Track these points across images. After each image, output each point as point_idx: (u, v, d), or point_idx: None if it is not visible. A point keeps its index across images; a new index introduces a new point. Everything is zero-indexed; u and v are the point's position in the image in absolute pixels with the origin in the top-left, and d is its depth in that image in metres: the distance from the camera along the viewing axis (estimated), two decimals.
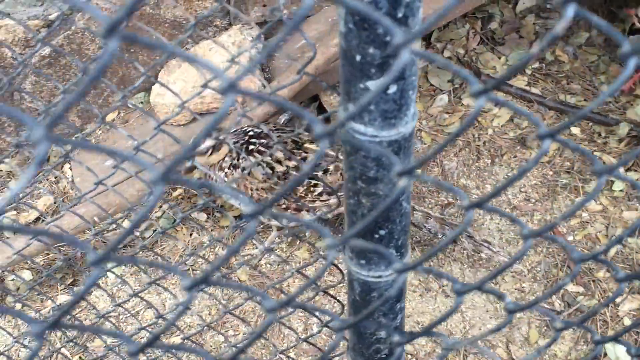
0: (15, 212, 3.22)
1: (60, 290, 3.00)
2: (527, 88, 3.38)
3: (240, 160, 2.69)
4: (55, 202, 3.18)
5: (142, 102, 3.35)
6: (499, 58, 3.51)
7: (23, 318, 0.44)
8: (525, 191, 3.06)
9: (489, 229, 2.95)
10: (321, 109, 3.33)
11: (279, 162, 2.69)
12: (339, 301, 1.32)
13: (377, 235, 0.95)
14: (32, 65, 3.07)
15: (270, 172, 2.66)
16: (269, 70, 3.23)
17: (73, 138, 3.37)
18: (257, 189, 2.69)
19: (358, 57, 0.78)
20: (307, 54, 3.06)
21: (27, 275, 3.04)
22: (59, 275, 2.99)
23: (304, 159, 2.69)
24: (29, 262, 2.97)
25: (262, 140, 2.71)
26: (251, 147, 2.70)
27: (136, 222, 0.41)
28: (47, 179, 3.28)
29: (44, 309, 2.87)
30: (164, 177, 0.38)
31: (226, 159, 2.73)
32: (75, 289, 2.93)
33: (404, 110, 0.82)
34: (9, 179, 3.28)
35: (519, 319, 2.70)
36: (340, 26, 0.79)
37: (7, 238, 2.76)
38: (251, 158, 2.66)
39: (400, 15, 0.74)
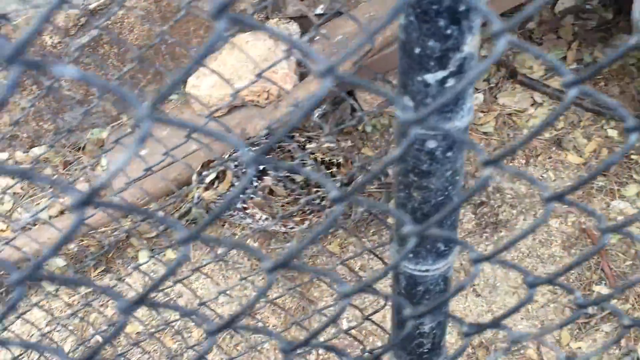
0: (51, 197, 3.27)
1: (93, 277, 3.04)
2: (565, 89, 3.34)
3: (254, 183, 2.62)
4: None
5: (177, 93, 3.38)
6: (536, 58, 3.48)
7: (109, 294, 0.45)
8: None
9: (522, 230, 2.93)
10: (357, 104, 3.32)
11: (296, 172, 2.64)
12: (382, 295, 1.32)
13: None
14: (71, 54, 3.10)
15: (292, 183, 2.59)
16: (305, 65, 3.23)
17: (109, 127, 3.41)
18: (282, 205, 2.62)
19: (417, 50, 0.78)
20: (342, 51, 3.06)
21: (60, 261, 3.08)
22: (92, 262, 3.03)
23: (315, 159, 2.66)
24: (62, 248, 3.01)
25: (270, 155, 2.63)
26: (262, 167, 2.61)
27: (230, 200, 0.42)
28: (83, 167, 3.32)
29: (76, 295, 2.91)
30: (257, 160, 0.38)
31: (234, 184, 2.62)
32: (109, 275, 2.96)
33: (460, 104, 0.82)
34: (45, 165, 3.33)
35: (551, 321, 2.68)
36: (400, 19, 0.79)
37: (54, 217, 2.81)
38: (266, 178, 2.60)
39: (462, 8, 0.74)
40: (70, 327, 2.81)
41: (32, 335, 2.84)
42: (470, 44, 0.77)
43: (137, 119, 0.34)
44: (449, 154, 0.86)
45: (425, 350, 1.13)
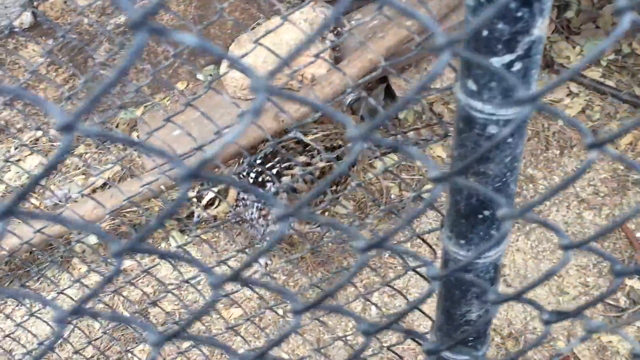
0: (83, 177, 3.30)
1: (124, 256, 3.06)
2: (602, 80, 3.30)
3: (272, 188, 2.57)
4: (122, 169, 3.24)
5: (211, 75, 3.38)
6: (574, 48, 3.43)
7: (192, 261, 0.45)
8: (594, 184, 2.99)
9: (555, 221, 2.90)
10: (389, 91, 3.30)
11: (309, 164, 2.61)
12: (427, 280, 1.31)
13: (481, 216, 0.94)
14: (107, 32, 3.11)
15: (312, 175, 2.56)
16: (340, 49, 3.22)
17: (142, 107, 3.42)
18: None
19: (485, 33, 0.76)
20: (378, 35, 3.04)
21: (92, 239, 3.10)
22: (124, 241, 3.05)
23: (318, 151, 2.64)
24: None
25: (275, 161, 2.58)
26: (274, 170, 2.56)
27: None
28: (115, 147, 3.34)
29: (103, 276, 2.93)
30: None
31: (240, 200, 2.57)
32: (139, 256, 2.98)
33: (526, 88, 0.81)
34: (78, 144, 3.35)
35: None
36: (467, 0, 0.77)
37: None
38: (284, 179, 2.56)
39: None
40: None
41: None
42: (540, 27, 0.75)
43: (253, 89, 0.33)
44: (510, 139, 0.85)
45: (471, 338, 1.12)
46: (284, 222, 0.41)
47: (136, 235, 0.43)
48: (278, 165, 2.59)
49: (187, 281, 1.80)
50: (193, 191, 2.46)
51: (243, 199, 2.56)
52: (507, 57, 0.77)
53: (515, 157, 0.88)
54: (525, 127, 0.85)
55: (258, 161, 2.58)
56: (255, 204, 2.56)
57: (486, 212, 0.93)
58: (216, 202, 2.49)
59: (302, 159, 2.62)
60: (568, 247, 0.48)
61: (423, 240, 1.26)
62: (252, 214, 2.58)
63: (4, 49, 3.07)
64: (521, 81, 0.79)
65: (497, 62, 0.78)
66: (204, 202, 2.47)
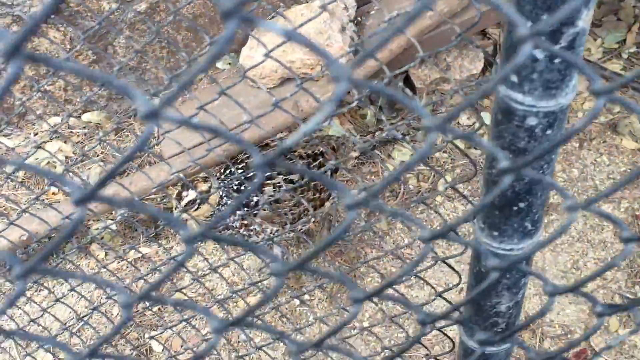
0: (102, 163, 3.31)
1: (142, 242, 3.07)
2: (622, 72, 3.28)
3: (257, 197, 2.51)
4: (140, 157, 3.25)
5: (230, 63, 3.38)
6: (595, 40, 3.41)
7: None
8: (613, 177, 2.98)
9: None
10: (408, 82, 3.30)
11: (290, 172, 2.55)
12: (456, 272, 1.32)
13: (515, 208, 0.94)
14: (127, 20, 3.12)
15: (293, 186, 2.47)
16: (360, 39, 3.21)
17: (160, 95, 3.42)
18: (290, 209, 2.55)
19: (529, 24, 0.76)
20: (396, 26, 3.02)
21: (112, 226, 3.12)
22: (143, 227, 3.07)
23: (300, 156, 2.61)
24: (113, 212, 3.06)
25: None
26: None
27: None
28: (135, 134, 3.35)
29: (123, 261, 2.94)
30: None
31: (225, 204, 2.48)
32: (158, 241, 3.00)
33: (566, 81, 0.80)
34: (97, 131, 3.36)
35: None
36: None
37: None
38: (266, 189, 2.51)
39: None
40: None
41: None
42: (585, 19, 0.75)
43: (334, 78, 0.33)
44: (549, 131, 0.85)
45: (499, 330, 1.12)
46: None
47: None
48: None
49: (214, 269, 1.81)
50: (178, 196, 2.39)
51: (226, 203, 2.48)
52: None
53: (553, 149, 0.88)
54: (565, 120, 0.85)
55: (239, 171, 2.51)
56: (238, 213, 2.47)
57: (521, 204, 0.93)
58: (196, 205, 2.39)
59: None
60: (629, 240, 0.48)
61: (455, 232, 1.26)
62: (234, 222, 2.51)
63: None
64: (564, 73, 0.79)
65: (539, 53, 0.78)
66: (183, 202, 2.37)
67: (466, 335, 1.16)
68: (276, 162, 0.35)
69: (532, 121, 0.84)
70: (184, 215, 2.40)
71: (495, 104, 0.86)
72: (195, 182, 2.44)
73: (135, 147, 0.39)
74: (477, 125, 3.23)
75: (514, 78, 0.81)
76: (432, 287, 1.60)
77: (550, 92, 0.81)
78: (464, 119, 3.25)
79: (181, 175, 1.72)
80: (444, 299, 1.30)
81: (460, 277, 1.35)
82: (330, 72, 0.33)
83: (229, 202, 2.48)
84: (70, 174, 3.27)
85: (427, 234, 0.45)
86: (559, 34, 0.76)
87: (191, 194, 2.37)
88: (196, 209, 2.40)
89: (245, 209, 2.47)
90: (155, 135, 3.29)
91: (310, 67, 3.05)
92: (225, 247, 2.67)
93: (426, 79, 3.25)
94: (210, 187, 2.42)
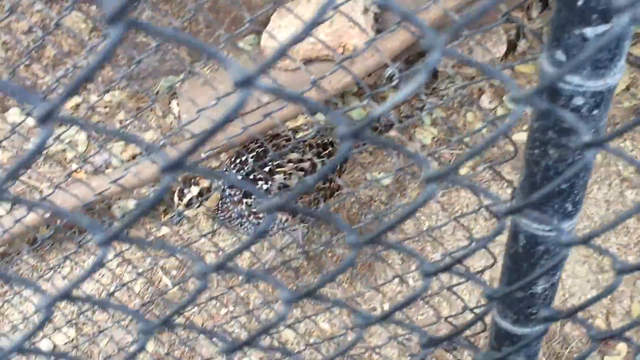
0: (122, 143, 3.32)
1: (162, 223, 3.09)
2: None
3: (263, 186, 2.53)
4: (161, 136, 3.26)
5: (251, 45, 3.37)
6: None
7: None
8: None
9: (596, 199, 2.88)
10: None
11: (301, 160, 2.56)
12: (491, 253, 1.32)
13: (557, 189, 0.93)
14: (150, 0, 3.12)
15: (303, 173, 2.50)
16: (382, 21, 3.19)
17: (181, 75, 3.43)
18: (300, 197, 2.54)
19: (580, 2, 0.76)
20: (422, 6, 3.00)
21: (132, 204, 3.14)
22: (162, 207, 3.08)
23: (310, 146, 2.61)
24: (135, 192, 3.08)
25: (266, 160, 2.50)
26: (267, 169, 2.51)
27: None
28: (155, 114, 3.36)
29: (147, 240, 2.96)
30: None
31: (229, 195, 2.50)
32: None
33: (615, 60, 0.80)
34: (118, 110, 3.37)
35: (621, 292, 2.64)
36: None
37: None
38: (276, 177, 2.52)
39: None
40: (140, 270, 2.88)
41: (104, 275, 2.92)
42: None
43: (426, 47, 0.33)
44: (595, 111, 0.84)
45: (534, 311, 1.12)
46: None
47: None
48: (270, 163, 2.52)
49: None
50: (180, 192, 2.40)
51: (230, 195, 2.50)
52: (601, 28, 0.76)
53: (599, 130, 0.87)
54: (611, 100, 0.85)
55: (250, 160, 2.52)
56: (245, 201, 2.49)
57: (563, 185, 0.93)
58: (196, 200, 2.40)
59: (294, 156, 2.57)
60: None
61: (492, 212, 1.26)
62: (242, 210, 2.51)
63: (47, 15, 3.09)
64: (613, 52, 0.79)
65: (590, 32, 0.77)
66: (185, 200, 2.38)
67: (499, 317, 1.16)
68: (361, 133, 0.35)
69: (578, 101, 0.83)
70: (186, 213, 2.42)
71: (541, 83, 0.86)
72: (197, 177, 2.43)
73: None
74: (499, 109, 3.21)
75: (562, 57, 0.80)
76: (470, 234, 1.59)
77: (598, 71, 0.80)
78: (486, 103, 3.23)
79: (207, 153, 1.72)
80: (477, 280, 1.30)
81: (494, 259, 1.35)
82: (424, 42, 0.33)
83: (233, 192, 2.49)
84: (99, 148, 3.28)
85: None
86: (610, 12, 0.75)
87: (194, 190, 2.38)
88: (198, 206, 2.40)
89: (254, 197, 2.47)
90: (177, 116, 3.29)
91: (332, 49, 3.04)
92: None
93: (447, 62, 3.24)
94: (211, 184, 2.42)
